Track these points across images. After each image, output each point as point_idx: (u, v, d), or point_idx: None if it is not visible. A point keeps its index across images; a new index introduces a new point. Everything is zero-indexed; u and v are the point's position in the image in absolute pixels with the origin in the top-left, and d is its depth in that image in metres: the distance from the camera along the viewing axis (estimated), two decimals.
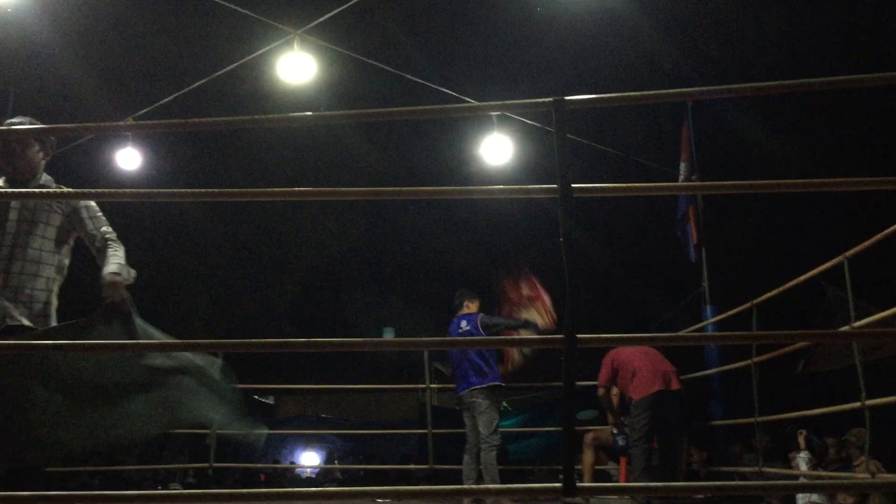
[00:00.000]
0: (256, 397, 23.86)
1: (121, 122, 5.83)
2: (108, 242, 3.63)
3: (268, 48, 7.69)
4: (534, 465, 9.61)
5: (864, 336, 5.24)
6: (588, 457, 7.11)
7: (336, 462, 16.80)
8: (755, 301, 6.44)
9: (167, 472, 12.76)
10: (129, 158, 8.65)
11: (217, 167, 14.34)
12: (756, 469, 6.67)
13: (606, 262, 14.50)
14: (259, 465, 13.32)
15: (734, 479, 7.24)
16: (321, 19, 7.31)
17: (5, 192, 3.49)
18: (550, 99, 2.66)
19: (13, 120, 3.89)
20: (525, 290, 6.82)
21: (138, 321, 3.36)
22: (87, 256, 3.87)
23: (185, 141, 12.34)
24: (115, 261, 3.50)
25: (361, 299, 18.90)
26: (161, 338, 3.36)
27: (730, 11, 10.37)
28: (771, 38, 10.65)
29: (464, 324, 6.68)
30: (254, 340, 2.67)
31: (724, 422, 7.69)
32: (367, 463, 15.28)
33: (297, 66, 7.54)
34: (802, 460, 6.77)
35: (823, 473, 6.28)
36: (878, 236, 4.75)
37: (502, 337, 6.39)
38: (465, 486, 6.23)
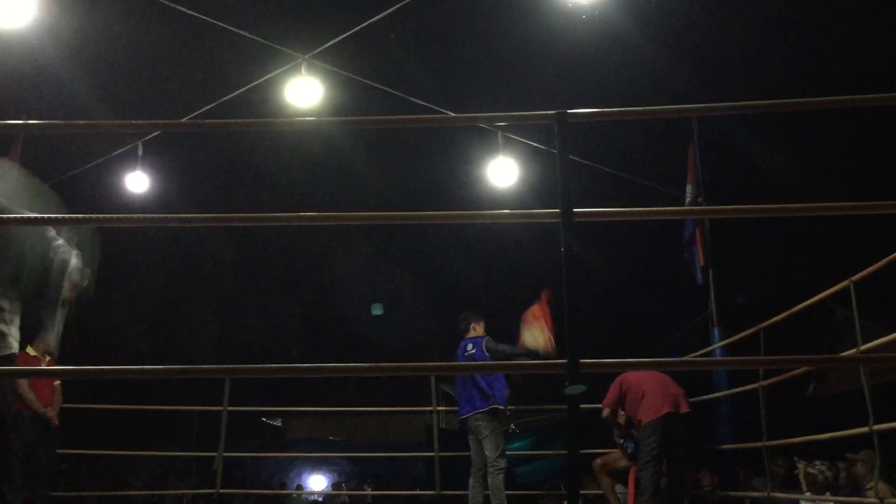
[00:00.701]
0: (264, 419, 23.81)
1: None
2: None
3: (275, 73, 7.76)
4: (542, 488, 9.54)
5: (870, 361, 5.20)
6: (606, 481, 7.04)
7: (343, 486, 16.71)
8: (762, 325, 6.40)
9: (175, 497, 12.72)
10: (138, 181, 8.70)
11: (225, 190, 14.41)
12: (766, 494, 6.61)
13: (612, 283, 14.47)
14: (265, 491, 13.25)
15: None
16: (328, 44, 7.37)
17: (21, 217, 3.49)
18: (553, 112, 2.68)
19: None
20: (536, 310, 6.77)
21: None
22: None
23: (194, 164, 12.42)
24: None
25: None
26: None
27: (737, 31, 10.40)
28: (778, 56, 10.66)
29: (470, 347, 6.65)
30: (263, 366, 2.68)
31: (732, 446, 7.63)
32: (375, 487, 15.19)
33: (304, 91, 7.60)
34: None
35: (832, 498, 6.21)
36: (885, 261, 4.73)
37: (504, 362, 6.37)
38: None
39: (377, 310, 19.95)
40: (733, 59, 10.90)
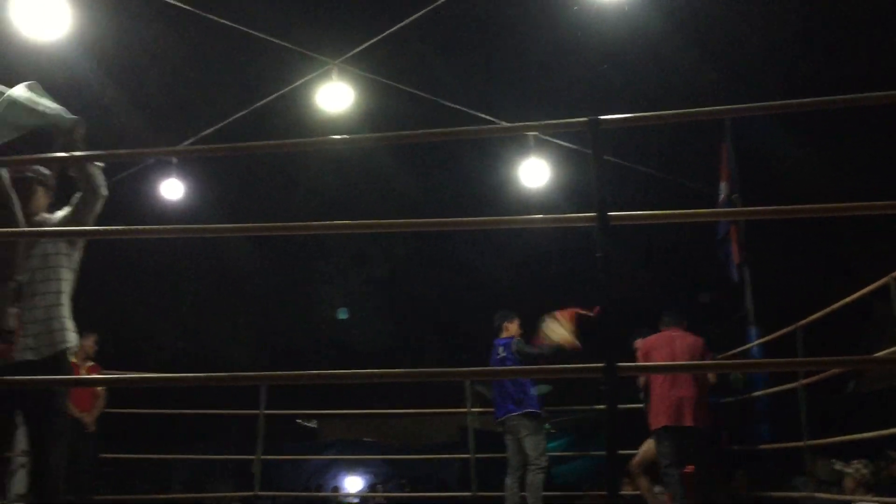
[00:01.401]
0: (299, 421, 23.97)
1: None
2: None
3: (307, 78, 7.82)
4: (579, 489, 9.51)
5: None
6: (643, 483, 6.97)
7: (379, 488, 16.79)
8: (800, 323, 6.33)
9: (214, 500, 12.86)
10: (173, 189, 8.82)
11: (258, 196, 14.53)
12: (808, 494, 6.53)
13: (646, 280, 14.36)
14: (301, 494, 13.34)
15: None
16: (358, 49, 7.41)
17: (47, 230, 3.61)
18: (586, 119, 2.68)
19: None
20: (562, 312, 6.72)
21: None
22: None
23: (228, 171, 12.53)
24: None
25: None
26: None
27: (770, 27, 10.27)
28: (813, 52, 10.52)
29: (501, 350, 6.63)
30: (300, 373, 2.71)
31: (771, 445, 7.55)
32: (412, 489, 15.25)
33: (335, 96, 7.66)
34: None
35: (876, 499, 6.12)
36: None
37: (541, 366, 6.28)
38: None
39: (342, 314, 20.01)
40: (766, 54, 10.76)
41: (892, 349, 5.28)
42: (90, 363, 7.10)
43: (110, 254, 13.83)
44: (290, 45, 7.52)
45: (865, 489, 6.36)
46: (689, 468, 6.81)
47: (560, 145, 8.85)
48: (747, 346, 7.93)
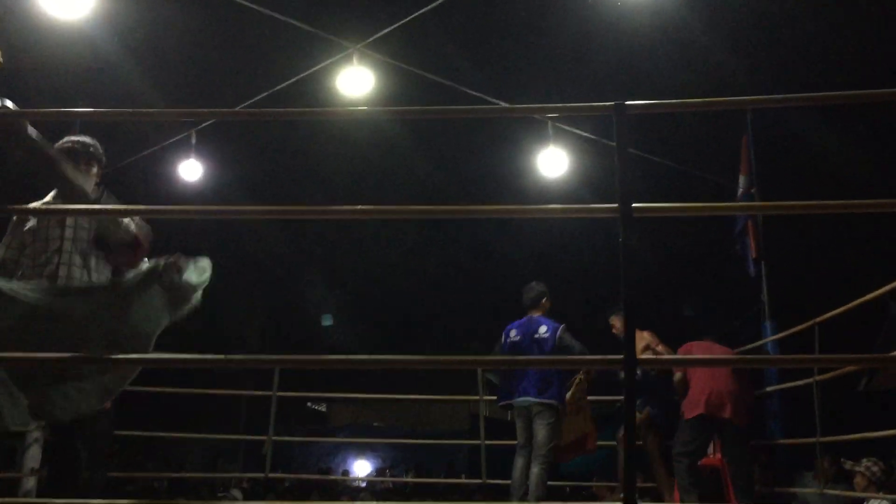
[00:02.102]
0: (309, 404, 24.13)
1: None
2: None
3: (328, 62, 7.82)
4: (590, 480, 9.51)
5: None
6: (661, 472, 6.80)
7: (388, 472, 16.88)
8: (817, 320, 6.30)
9: (224, 480, 12.96)
10: (191, 169, 8.84)
11: (277, 177, 14.57)
12: (819, 491, 6.52)
13: (664, 274, 14.34)
14: (311, 476, 13.42)
15: (796, 501, 7.08)
16: (380, 34, 7.41)
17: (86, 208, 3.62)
18: (611, 104, 2.66)
19: (79, 139, 4.04)
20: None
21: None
22: None
23: (247, 152, 12.57)
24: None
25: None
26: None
27: (794, 19, 10.20)
28: (839, 46, 10.44)
29: (543, 329, 6.18)
30: (313, 357, 2.72)
31: (783, 441, 7.53)
32: (416, 475, 15.31)
33: (355, 80, 7.65)
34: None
35: (889, 496, 6.09)
36: None
37: (559, 357, 6.09)
38: None
39: (327, 320, 20.07)
40: (790, 45, 10.68)
41: None
42: None
43: None
44: (311, 29, 7.52)
45: (877, 487, 6.32)
46: (707, 461, 6.80)
47: (579, 135, 8.82)
48: (763, 341, 7.90)
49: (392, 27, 7.31)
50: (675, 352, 6.58)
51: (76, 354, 2.83)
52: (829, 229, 12.44)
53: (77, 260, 3.83)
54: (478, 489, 10.09)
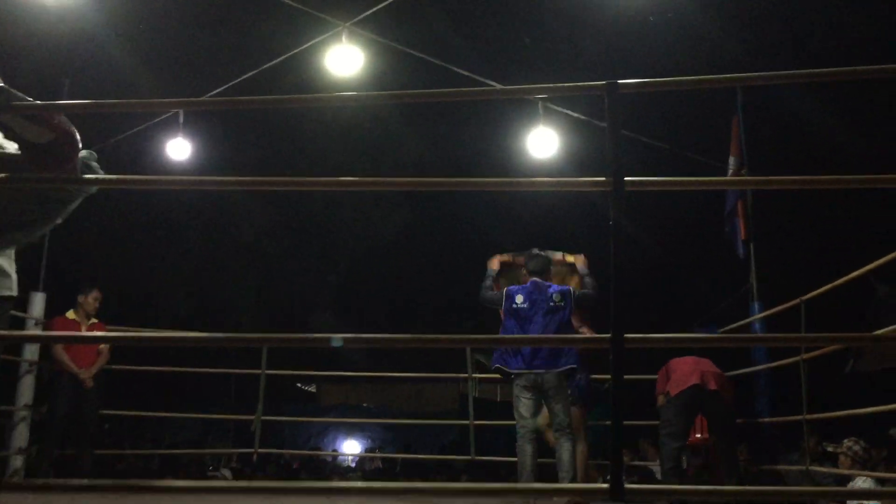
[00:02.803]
0: (299, 385, 24.16)
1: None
2: None
3: (316, 40, 7.76)
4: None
5: None
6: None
7: (377, 451, 16.95)
8: (804, 298, 6.34)
9: (213, 456, 12.99)
10: (179, 148, 8.77)
11: (267, 156, 14.50)
12: (803, 468, 6.58)
13: (653, 255, 14.37)
14: (302, 452, 13.46)
15: (781, 479, 7.15)
16: (369, 12, 7.35)
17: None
18: (603, 83, 2.64)
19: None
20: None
21: None
22: None
23: (235, 132, 12.49)
24: None
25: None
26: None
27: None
28: (828, 19, 10.41)
29: (556, 296, 5.81)
30: (302, 336, 2.70)
31: (770, 419, 7.60)
32: (403, 453, 15.39)
33: (344, 59, 7.60)
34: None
35: (874, 474, 6.15)
36: None
37: (549, 336, 5.77)
38: (520, 486, 5.72)
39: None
40: (783, 21, 10.64)
41: (891, 327, 5.29)
42: (93, 320, 7.12)
43: (119, 213, 13.85)
44: (300, 6, 7.46)
45: (861, 465, 6.38)
46: (694, 439, 6.84)
47: (568, 115, 8.79)
48: (750, 319, 7.95)
49: (381, 5, 7.26)
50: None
51: None
52: (818, 212, 12.48)
53: None
54: (465, 468, 10.16)
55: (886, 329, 5.45)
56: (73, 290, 7.19)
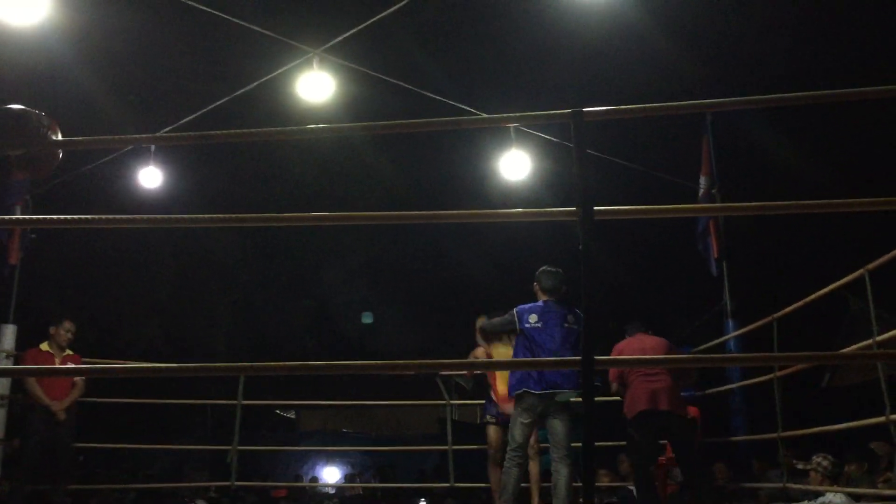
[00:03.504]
0: (278, 412, 23.95)
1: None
2: None
3: (287, 67, 7.76)
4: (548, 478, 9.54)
5: (887, 357, 5.19)
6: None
7: (357, 479, 16.80)
8: (776, 315, 6.39)
9: (190, 489, 12.80)
10: (151, 177, 8.71)
11: (238, 183, 14.45)
12: (780, 485, 6.61)
13: (626, 274, 14.45)
14: (278, 484, 13.31)
15: (757, 496, 7.17)
16: (340, 38, 7.37)
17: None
18: (569, 111, 2.67)
19: None
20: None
21: None
22: None
23: (207, 159, 12.44)
24: None
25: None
26: None
27: (750, 25, 10.34)
28: (792, 45, 10.60)
29: (570, 318, 5.62)
30: (279, 364, 2.69)
31: (745, 437, 7.63)
32: (381, 479, 15.27)
33: (316, 85, 7.60)
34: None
35: (846, 489, 6.18)
36: None
37: (519, 360, 5.68)
38: None
39: (367, 318, 20.03)
40: (745, 48, 10.83)
41: (862, 344, 5.35)
42: (67, 352, 7.01)
43: (89, 242, 13.72)
44: (270, 34, 7.46)
45: (831, 481, 6.40)
46: (662, 459, 6.84)
47: (541, 137, 8.85)
48: (724, 337, 8.00)
49: (351, 32, 7.28)
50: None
51: None
52: (789, 229, 12.64)
53: None
54: (448, 492, 10.09)
55: (860, 345, 5.52)
56: (46, 321, 7.08)
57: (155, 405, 9.31)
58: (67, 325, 6.97)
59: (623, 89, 10.38)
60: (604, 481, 8.07)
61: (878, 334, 5.03)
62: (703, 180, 8.61)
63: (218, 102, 8.15)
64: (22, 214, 7.27)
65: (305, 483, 15.87)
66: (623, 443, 6.90)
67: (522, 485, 5.71)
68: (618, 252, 13.47)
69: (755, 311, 7.33)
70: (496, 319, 5.92)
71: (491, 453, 6.56)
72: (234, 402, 7.94)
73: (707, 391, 7.84)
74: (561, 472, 5.43)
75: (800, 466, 6.44)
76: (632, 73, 10.25)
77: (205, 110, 8.16)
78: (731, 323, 8.16)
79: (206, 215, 3.01)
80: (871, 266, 5.13)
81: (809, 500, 5.99)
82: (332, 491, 16.04)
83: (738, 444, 7.84)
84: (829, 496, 5.81)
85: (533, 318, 5.63)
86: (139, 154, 8.81)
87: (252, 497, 11.34)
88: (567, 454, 5.46)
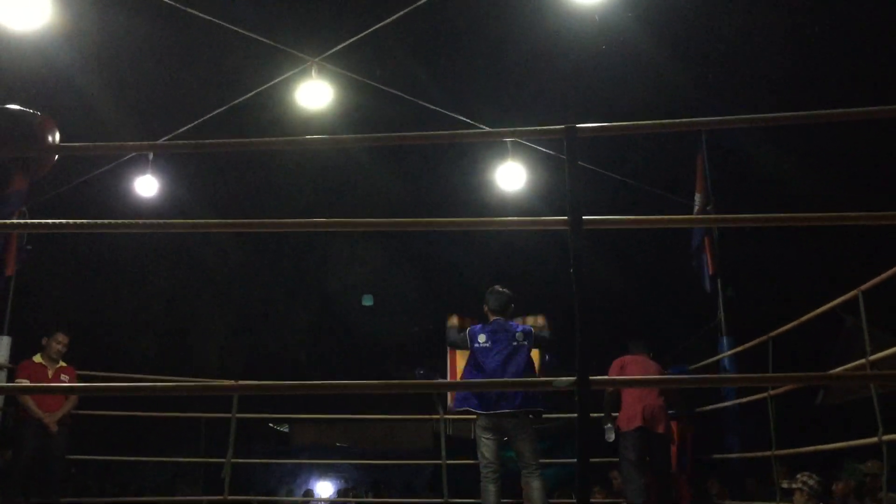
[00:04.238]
0: (271, 425, 23.83)
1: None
2: None
3: (286, 76, 7.78)
4: (552, 496, 9.49)
5: (879, 378, 5.19)
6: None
7: (350, 493, 16.72)
8: (772, 334, 6.38)
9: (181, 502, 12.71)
10: (147, 186, 8.69)
11: (235, 194, 14.45)
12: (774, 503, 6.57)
13: (621, 291, 14.44)
14: (271, 498, 13.22)
15: None
16: (338, 47, 7.39)
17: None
18: (562, 126, 2.67)
19: None
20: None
21: None
22: None
23: (204, 168, 12.45)
24: None
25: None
26: None
27: (744, 42, 10.39)
28: (788, 60, 10.65)
29: (520, 335, 5.77)
30: (274, 383, 2.68)
31: (739, 455, 7.60)
32: (375, 495, 15.19)
33: (314, 94, 7.62)
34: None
35: None
36: (893, 270, 4.72)
37: (517, 381, 5.64)
38: None
39: (367, 300, 19.96)
40: (742, 64, 10.87)
41: (855, 363, 5.34)
42: (61, 364, 6.94)
43: (84, 252, 13.70)
44: (270, 42, 7.48)
45: (817, 500, 6.36)
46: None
47: (537, 150, 8.88)
48: (719, 356, 7.98)
49: (350, 40, 7.30)
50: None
51: None
52: (785, 246, 12.65)
53: None
54: None
55: (853, 364, 5.50)
56: (41, 333, 7.03)
57: (147, 418, 9.25)
58: (60, 337, 6.90)
59: (619, 102, 10.41)
60: (597, 498, 8.03)
61: (872, 353, 5.02)
62: (697, 197, 8.61)
63: (218, 110, 8.16)
64: None
65: (298, 497, 15.76)
66: (615, 459, 6.93)
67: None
68: (612, 266, 13.47)
69: (750, 327, 7.33)
70: (454, 335, 6.09)
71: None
72: (229, 415, 7.88)
73: (701, 409, 7.82)
74: (533, 486, 5.59)
75: (784, 485, 6.40)
76: (628, 85, 10.29)
77: (204, 118, 8.16)
78: (725, 340, 8.15)
79: (202, 220, 3.00)
80: (864, 287, 5.13)
81: None
82: None
83: (732, 462, 7.81)
84: None
85: (482, 338, 5.82)
86: (137, 163, 8.80)
87: None
88: (536, 467, 5.62)
